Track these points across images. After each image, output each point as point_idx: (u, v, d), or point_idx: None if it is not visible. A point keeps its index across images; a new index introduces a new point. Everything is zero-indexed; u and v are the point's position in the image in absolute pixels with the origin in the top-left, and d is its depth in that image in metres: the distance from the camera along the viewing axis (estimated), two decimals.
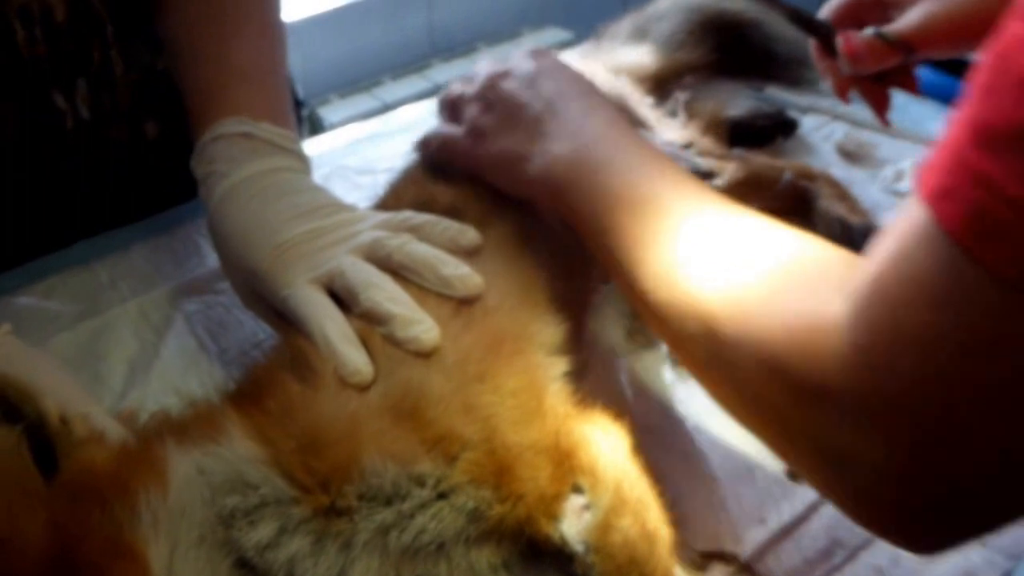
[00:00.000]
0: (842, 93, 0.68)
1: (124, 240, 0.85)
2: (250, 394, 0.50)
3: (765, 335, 0.39)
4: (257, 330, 0.72)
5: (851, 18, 0.66)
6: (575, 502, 0.48)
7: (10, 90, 0.76)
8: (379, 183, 0.88)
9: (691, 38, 0.71)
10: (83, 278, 0.80)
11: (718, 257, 0.44)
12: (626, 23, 0.82)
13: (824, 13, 0.69)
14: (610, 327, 0.69)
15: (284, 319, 0.58)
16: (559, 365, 0.55)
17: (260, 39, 0.73)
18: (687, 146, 0.68)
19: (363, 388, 0.50)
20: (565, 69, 0.62)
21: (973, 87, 0.31)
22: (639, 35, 0.80)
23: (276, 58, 0.74)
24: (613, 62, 0.76)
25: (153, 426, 0.51)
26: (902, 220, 0.34)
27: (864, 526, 0.38)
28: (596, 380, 0.63)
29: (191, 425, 0.49)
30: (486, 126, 0.62)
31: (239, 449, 0.47)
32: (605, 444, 0.50)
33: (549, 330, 0.56)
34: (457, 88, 0.66)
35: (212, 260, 0.79)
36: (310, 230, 0.59)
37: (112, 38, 0.79)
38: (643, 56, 0.78)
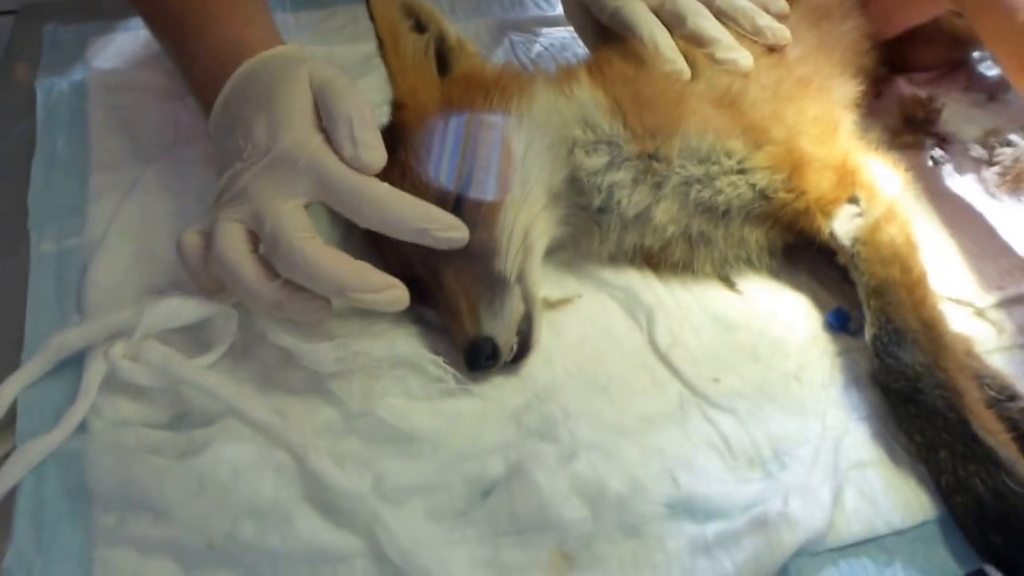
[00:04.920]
0: None
1: None
2: (595, 65, 0.60)
3: None
4: None
5: None
6: (849, 209, 0.56)
7: None
8: None
9: None
10: None
11: None
12: None
13: None
14: None
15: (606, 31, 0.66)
16: (851, 117, 0.63)
17: None
18: None
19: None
20: None
21: None
22: None
23: None
24: None
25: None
26: None
27: None
28: None
29: (554, 74, 0.60)
30: None
31: (587, 96, 0.57)
32: (885, 175, 0.57)
33: (847, 88, 0.64)
34: None
35: None
36: None
37: None
38: None
